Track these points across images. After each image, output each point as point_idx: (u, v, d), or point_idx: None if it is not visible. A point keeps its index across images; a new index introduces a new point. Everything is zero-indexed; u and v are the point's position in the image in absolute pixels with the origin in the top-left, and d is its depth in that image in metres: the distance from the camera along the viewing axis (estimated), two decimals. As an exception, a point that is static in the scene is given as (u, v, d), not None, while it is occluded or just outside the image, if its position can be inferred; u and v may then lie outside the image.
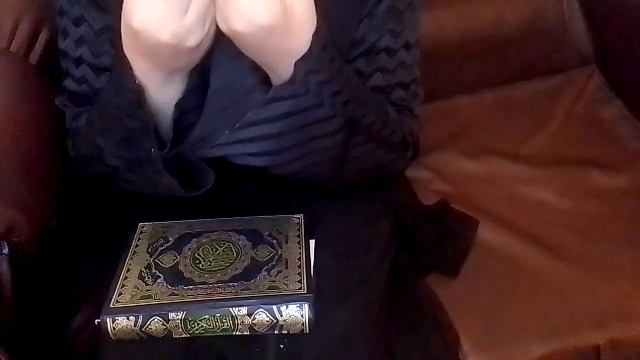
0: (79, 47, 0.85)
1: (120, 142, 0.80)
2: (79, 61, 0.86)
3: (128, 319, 0.77)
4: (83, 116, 0.88)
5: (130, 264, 0.84)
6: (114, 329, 0.77)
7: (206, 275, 0.80)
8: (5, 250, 0.87)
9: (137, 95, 0.74)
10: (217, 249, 0.84)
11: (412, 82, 0.91)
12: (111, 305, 0.78)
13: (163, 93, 0.75)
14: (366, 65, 0.88)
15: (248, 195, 0.94)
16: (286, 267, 0.81)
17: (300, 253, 0.83)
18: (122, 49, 0.71)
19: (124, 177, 0.85)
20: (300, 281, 0.79)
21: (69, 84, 0.88)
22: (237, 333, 0.77)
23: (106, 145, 0.83)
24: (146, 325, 0.76)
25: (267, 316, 0.76)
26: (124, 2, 0.66)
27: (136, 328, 0.77)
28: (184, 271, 0.82)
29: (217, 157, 0.87)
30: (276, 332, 0.77)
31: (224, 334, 0.77)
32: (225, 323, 0.76)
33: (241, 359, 0.80)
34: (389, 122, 0.87)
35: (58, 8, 0.86)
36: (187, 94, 0.76)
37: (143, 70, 0.72)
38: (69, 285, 1.00)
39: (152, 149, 0.76)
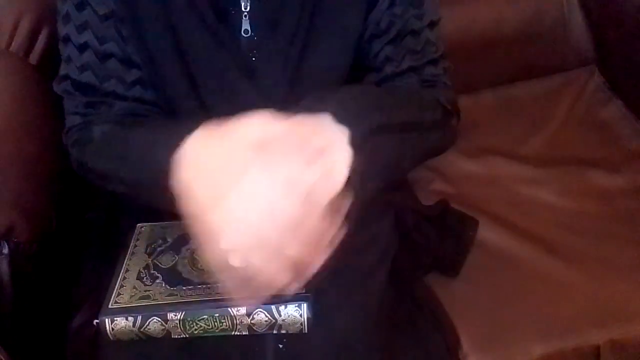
0: (82, 32, 0.83)
1: (133, 186, 0.78)
2: (83, 47, 0.83)
3: (127, 319, 0.76)
4: (100, 126, 0.84)
5: (128, 265, 0.84)
6: (112, 329, 0.77)
7: (205, 276, 0.80)
8: (5, 250, 0.88)
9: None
10: None
11: (441, 57, 0.91)
12: (110, 306, 0.78)
13: None
14: (395, 52, 0.88)
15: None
16: (285, 267, 0.81)
17: (299, 253, 0.83)
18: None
19: (127, 199, 0.84)
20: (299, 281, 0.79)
21: (71, 71, 0.85)
22: (236, 333, 0.77)
23: (115, 177, 0.80)
24: (145, 326, 0.76)
25: (266, 316, 0.76)
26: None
27: (135, 328, 0.76)
28: (182, 271, 0.81)
29: None
30: (275, 332, 0.77)
31: (223, 334, 0.77)
32: (224, 323, 0.76)
33: (240, 358, 0.80)
34: (426, 106, 0.85)
35: None
36: None
37: None
38: (68, 285, 1.00)
39: None
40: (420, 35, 0.88)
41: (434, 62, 0.90)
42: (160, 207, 0.74)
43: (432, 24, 0.89)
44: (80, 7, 0.83)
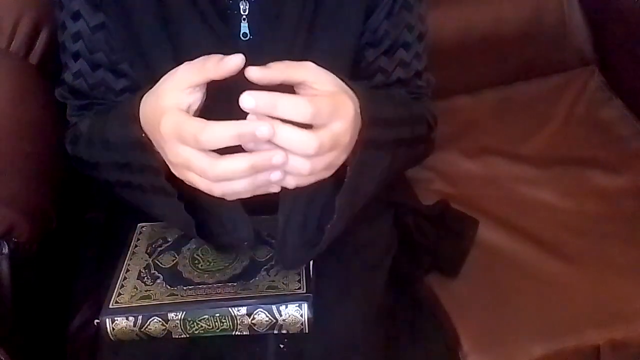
0: (75, 41, 0.85)
1: (121, 168, 0.80)
2: (76, 55, 0.86)
3: (127, 319, 0.77)
4: (86, 120, 0.88)
5: (129, 265, 0.84)
6: (113, 329, 0.77)
7: (205, 276, 0.80)
8: (5, 250, 0.87)
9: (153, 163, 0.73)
10: None
11: (425, 69, 0.92)
12: (110, 306, 0.78)
13: None
14: (388, 63, 0.89)
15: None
16: (285, 267, 0.81)
17: (299, 253, 0.83)
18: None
19: (118, 193, 0.86)
20: (299, 281, 0.79)
21: (67, 77, 0.88)
22: (236, 333, 0.77)
23: (104, 164, 0.83)
24: (145, 326, 0.76)
25: (267, 316, 0.76)
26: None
27: (135, 328, 0.77)
28: (183, 271, 0.81)
29: None
30: (276, 331, 0.77)
31: (224, 334, 0.77)
32: (225, 323, 0.76)
33: (241, 359, 0.80)
34: (416, 120, 0.89)
35: (57, 1, 0.87)
36: None
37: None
38: (69, 285, 1.00)
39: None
40: (411, 48, 0.90)
41: (419, 74, 0.91)
42: (149, 192, 0.77)
43: (421, 36, 0.90)
44: (74, 17, 0.84)
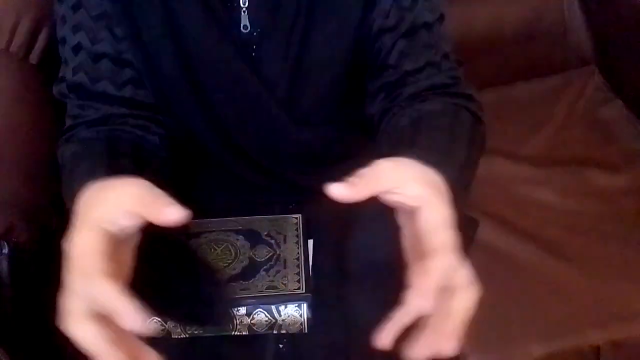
0: (76, 33, 0.83)
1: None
2: (76, 48, 0.84)
3: (127, 319, 0.76)
4: (70, 145, 0.83)
5: (129, 264, 0.83)
6: (112, 329, 0.76)
7: (205, 276, 0.80)
8: (5, 250, 0.87)
9: None
10: (215, 249, 0.84)
11: (451, 51, 0.89)
12: (110, 306, 0.78)
13: None
14: (410, 46, 0.85)
15: (247, 196, 0.94)
16: (284, 267, 0.81)
17: (298, 253, 0.83)
18: None
19: None
20: (298, 281, 0.79)
21: (67, 73, 0.85)
22: (235, 333, 0.77)
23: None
24: (145, 326, 0.76)
25: (266, 316, 0.76)
26: None
27: (135, 328, 0.76)
28: (182, 271, 0.81)
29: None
30: (275, 332, 0.77)
31: (223, 334, 0.77)
32: (224, 323, 0.76)
33: (240, 359, 0.80)
34: (474, 134, 0.82)
35: None
36: None
37: None
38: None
39: None
40: (433, 29, 0.86)
41: (447, 56, 0.88)
42: None
43: (442, 18, 0.88)
44: (75, 8, 0.83)
